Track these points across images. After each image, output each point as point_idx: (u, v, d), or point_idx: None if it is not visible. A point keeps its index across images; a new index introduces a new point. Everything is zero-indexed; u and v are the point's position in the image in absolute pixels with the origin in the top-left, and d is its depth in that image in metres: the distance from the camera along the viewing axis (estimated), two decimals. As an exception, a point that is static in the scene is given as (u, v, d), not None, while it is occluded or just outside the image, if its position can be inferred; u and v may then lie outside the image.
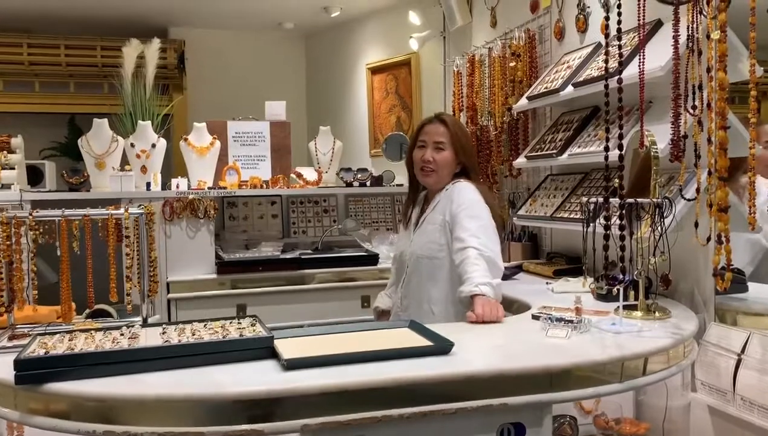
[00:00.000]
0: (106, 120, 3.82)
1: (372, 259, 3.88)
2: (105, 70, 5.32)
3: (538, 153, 3.25)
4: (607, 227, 1.81)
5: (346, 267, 3.83)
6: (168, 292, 3.58)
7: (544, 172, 3.59)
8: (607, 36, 1.93)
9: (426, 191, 2.58)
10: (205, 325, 1.92)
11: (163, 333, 1.84)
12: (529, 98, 3.34)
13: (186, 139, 3.97)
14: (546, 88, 3.20)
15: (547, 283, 2.99)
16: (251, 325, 1.90)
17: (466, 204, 2.34)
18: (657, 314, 2.20)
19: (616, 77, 2.63)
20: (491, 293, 2.17)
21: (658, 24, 2.66)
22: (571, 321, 2.08)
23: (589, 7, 3.18)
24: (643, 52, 2.10)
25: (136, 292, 2.25)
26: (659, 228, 1.98)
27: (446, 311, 2.39)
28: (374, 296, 3.74)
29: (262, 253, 3.78)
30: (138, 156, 3.82)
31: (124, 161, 3.84)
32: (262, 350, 1.74)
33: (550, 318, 2.10)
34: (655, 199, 1.97)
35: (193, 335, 1.81)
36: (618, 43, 2.00)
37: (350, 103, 6.03)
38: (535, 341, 1.92)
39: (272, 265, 3.71)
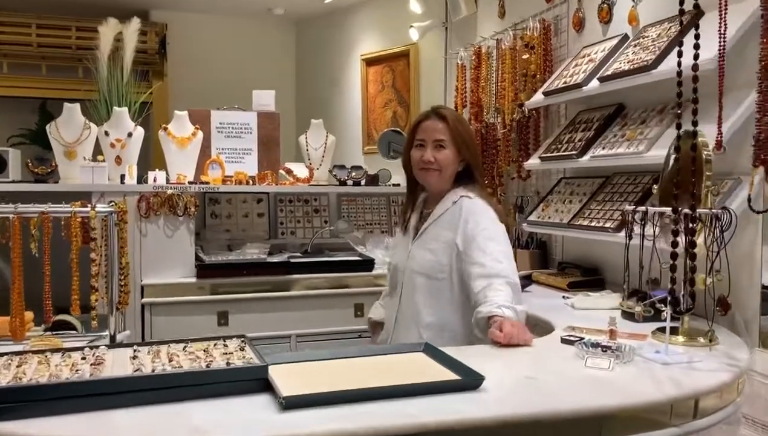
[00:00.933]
0: (78, 105, 3.50)
1: (366, 264, 3.58)
2: (80, 52, 4.93)
3: (554, 154, 2.98)
4: (675, 244, 1.52)
5: (339, 272, 3.53)
6: (142, 296, 3.25)
7: (556, 175, 3.32)
8: (681, 13, 1.62)
9: (426, 194, 2.29)
10: (185, 347, 1.61)
11: (133, 358, 1.53)
12: (546, 94, 3.06)
13: (166, 129, 3.64)
14: (565, 82, 2.93)
15: (563, 296, 2.73)
16: (240, 349, 1.60)
17: (483, 224, 2.08)
18: (702, 339, 1.94)
19: (655, 70, 2.38)
20: (513, 317, 1.90)
21: (699, 13, 2.39)
22: (609, 348, 1.80)
23: (614, -5, 2.91)
24: (724, 34, 1.82)
25: (105, 302, 1.93)
26: (716, 243, 1.70)
27: (438, 339, 2.10)
28: (368, 304, 3.46)
29: (246, 255, 3.46)
30: (113, 145, 3.49)
31: (98, 151, 3.51)
32: (253, 381, 1.43)
33: (585, 344, 1.83)
34: (713, 210, 1.69)
35: (170, 360, 1.50)
36: (697, 24, 1.69)
37: (343, 97, 5.72)
38: (573, 374, 1.64)
39: (257, 268, 3.40)
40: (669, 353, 1.81)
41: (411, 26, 4.57)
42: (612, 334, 2.02)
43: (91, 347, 1.60)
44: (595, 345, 1.84)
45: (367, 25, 5.42)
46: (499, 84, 3.61)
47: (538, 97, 3.16)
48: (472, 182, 2.21)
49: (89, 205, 1.69)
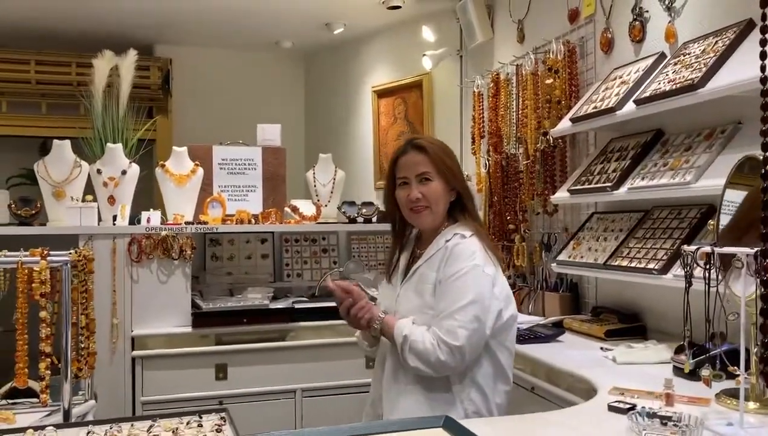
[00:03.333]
0: (68, 142, 3.27)
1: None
2: (81, 89, 4.75)
3: (585, 186, 2.68)
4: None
5: (348, 319, 3.21)
6: (133, 348, 2.96)
7: (586, 209, 3.02)
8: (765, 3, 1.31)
9: (417, 231, 2.02)
10: (150, 427, 1.32)
11: (83, 444, 1.23)
12: (573, 120, 2.78)
13: (163, 166, 3.40)
14: (596, 107, 2.64)
15: (601, 348, 2.40)
16: (216, 430, 1.29)
17: (458, 267, 1.81)
18: (780, 405, 1.61)
19: (703, 89, 2.09)
20: (401, 332, 1.79)
21: (749, 25, 2.12)
22: (669, 419, 1.48)
23: (647, 11, 2.64)
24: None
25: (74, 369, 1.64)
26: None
27: (430, 386, 1.83)
28: (381, 354, 3.16)
29: (248, 300, 3.16)
30: (105, 184, 3.24)
31: (91, 191, 3.26)
32: (228, 477, 1.13)
33: (639, 414, 1.51)
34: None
35: (128, 448, 1.20)
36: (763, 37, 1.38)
37: (354, 130, 5.48)
38: (632, 458, 1.31)
39: (259, 316, 3.10)
40: (744, 425, 1.49)
41: (424, 55, 4.34)
42: (669, 399, 1.70)
43: (36, 428, 1.31)
44: (652, 415, 1.52)
45: (378, 56, 5.20)
46: (521, 112, 3.34)
47: (564, 125, 2.88)
48: (466, 214, 1.94)
49: (39, 254, 1.42)
